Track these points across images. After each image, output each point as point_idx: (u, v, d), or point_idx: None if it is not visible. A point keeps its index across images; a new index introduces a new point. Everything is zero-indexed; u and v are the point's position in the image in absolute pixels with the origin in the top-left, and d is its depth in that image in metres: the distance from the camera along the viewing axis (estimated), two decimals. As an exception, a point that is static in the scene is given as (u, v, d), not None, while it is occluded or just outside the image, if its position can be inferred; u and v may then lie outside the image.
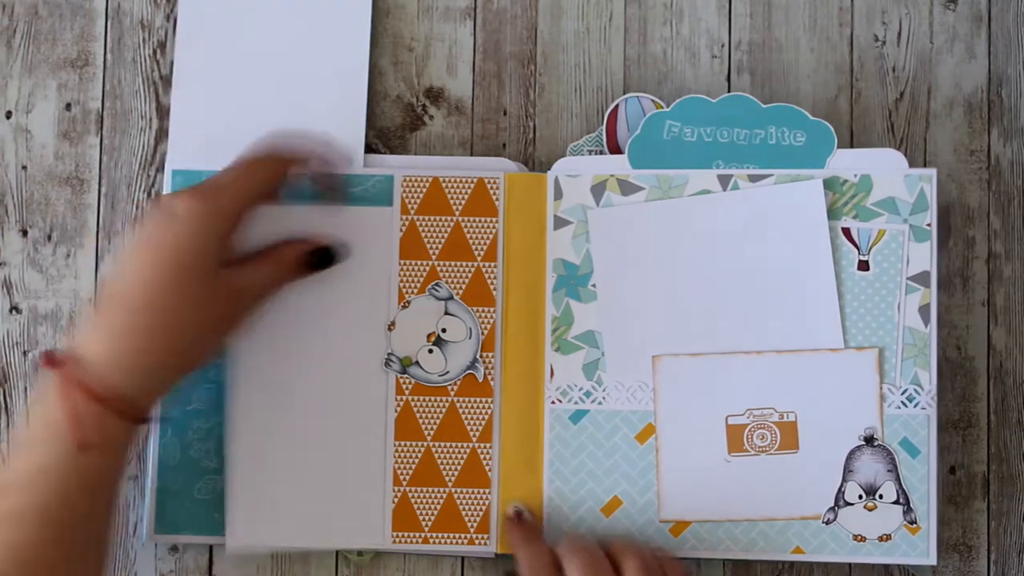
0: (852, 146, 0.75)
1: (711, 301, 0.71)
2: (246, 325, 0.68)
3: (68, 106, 0.75)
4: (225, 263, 0.66)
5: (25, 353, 0.74)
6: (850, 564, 0.72)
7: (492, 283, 0.72)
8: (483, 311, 0.72)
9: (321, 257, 0.70)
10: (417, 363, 0.72)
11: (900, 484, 0.70)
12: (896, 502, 0.70)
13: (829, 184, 0.71)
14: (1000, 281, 0.74)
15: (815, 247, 0.70)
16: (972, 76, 0.75)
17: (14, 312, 0.74)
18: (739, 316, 0.71)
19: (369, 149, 0.74)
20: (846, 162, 0.71)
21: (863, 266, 0.71)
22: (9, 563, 0.59)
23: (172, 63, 0.75)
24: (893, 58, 0.76)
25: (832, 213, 0.71)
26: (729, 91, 0.75)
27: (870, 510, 0.70)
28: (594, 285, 0.71)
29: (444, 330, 0.72)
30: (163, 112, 0.75)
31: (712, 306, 0.71)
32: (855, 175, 0.71)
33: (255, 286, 0.68)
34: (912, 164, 0.74)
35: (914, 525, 0.70)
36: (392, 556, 0.73)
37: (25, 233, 0.74)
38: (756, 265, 0.71)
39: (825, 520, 0.70)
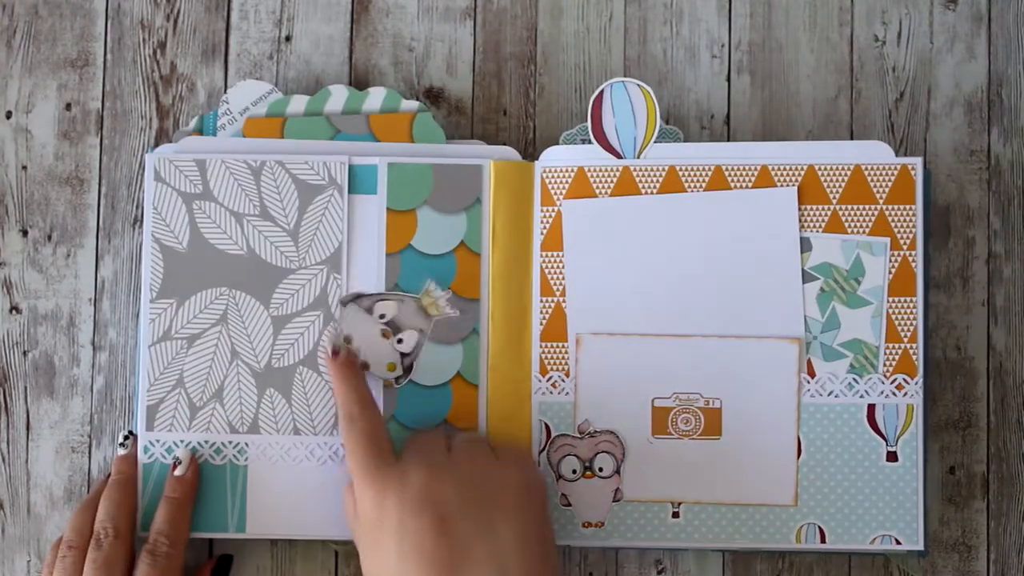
0: (852, 146, 0.75)
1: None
2: None
3: (68, 106, 0.75)
4: None
5: (25, 353, 0.74)
6: (849, 561, 0.72)
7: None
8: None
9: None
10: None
11: None
12: None
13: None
14: (1000, 281, 0.74)
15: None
16: (972, 76, 0.75)
17: (14, 312, 0.74)
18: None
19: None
20: (829, 152, 0.71)
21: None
22: None
23: (172, 63, 0.75)
24: (893, 58, 0.76)
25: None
26: (729, 91, 0.75)
27: None
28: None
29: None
30: (163, 112, 0.75)
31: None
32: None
33: None
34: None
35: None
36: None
37: (25, 233, 0.74)
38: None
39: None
